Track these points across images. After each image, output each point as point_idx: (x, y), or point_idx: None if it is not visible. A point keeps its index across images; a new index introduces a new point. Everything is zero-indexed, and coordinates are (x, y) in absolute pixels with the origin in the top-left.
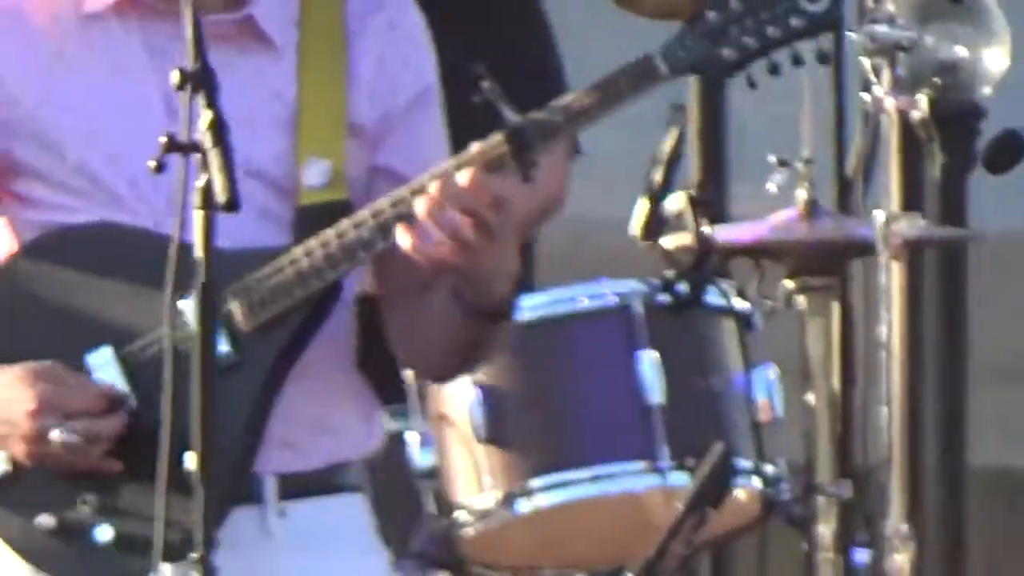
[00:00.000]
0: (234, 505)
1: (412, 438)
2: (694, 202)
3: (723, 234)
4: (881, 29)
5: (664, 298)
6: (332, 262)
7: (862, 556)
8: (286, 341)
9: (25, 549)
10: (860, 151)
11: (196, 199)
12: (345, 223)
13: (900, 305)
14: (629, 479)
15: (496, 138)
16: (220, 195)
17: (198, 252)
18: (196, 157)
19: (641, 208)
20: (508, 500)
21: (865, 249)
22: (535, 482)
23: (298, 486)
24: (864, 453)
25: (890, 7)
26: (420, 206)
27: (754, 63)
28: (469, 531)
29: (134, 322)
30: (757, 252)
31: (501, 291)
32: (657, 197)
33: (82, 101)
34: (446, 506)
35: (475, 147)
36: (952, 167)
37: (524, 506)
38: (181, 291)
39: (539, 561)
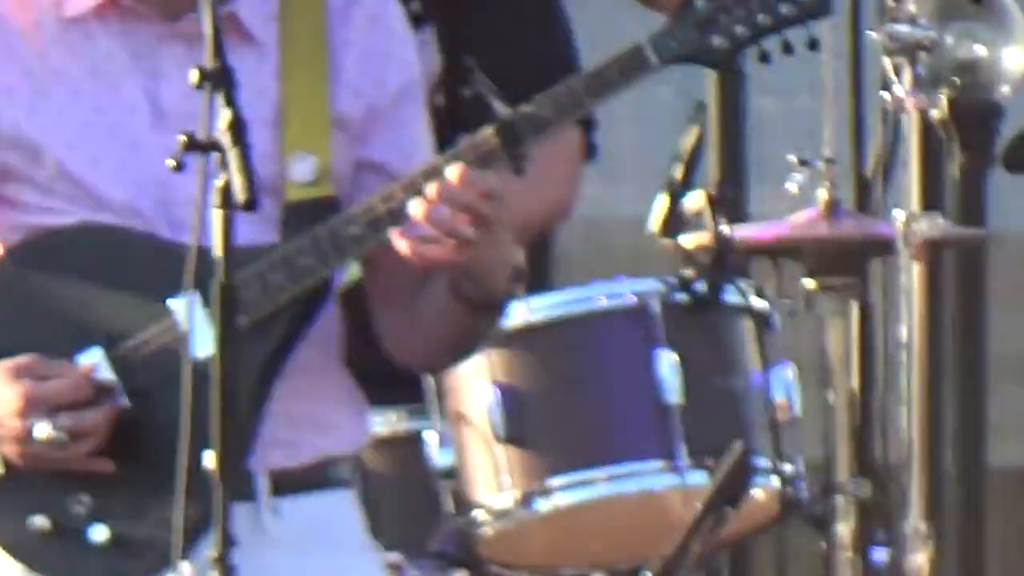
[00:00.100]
0: (231, 501)
1: (431, 437)
2: (713, 201)
3: (742, 233)
4: (901, 28)
5: (682, 297)
6: (324, 259)
7: (881, 555)
8: (278, 339)
9: (19, 550)
10: (880, 151)
11: (215, 199)
12: (337, 220)
13: (919, 305)
14: (647, 478)
15: (486, 132)
16: (239, 195)
17: (216, 252)
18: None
19: (660, 206)
20: (526, 499)
21: (885, 248)
22: (553, 481)
23: (289, 483)
24: (883, 452)
25: (911, 7)
26: (415, 209)
27: (745, 51)
28: (487, 530)
29: (122, 323)
30: (776, 251)
31: (500, 283)
32: (676, 195)
33: (65, 105)
34: (464, 505)
35: (465, 141)
36: (971, 167)
37: (542, 505)
38: (173, 291)
39: (557, 561)
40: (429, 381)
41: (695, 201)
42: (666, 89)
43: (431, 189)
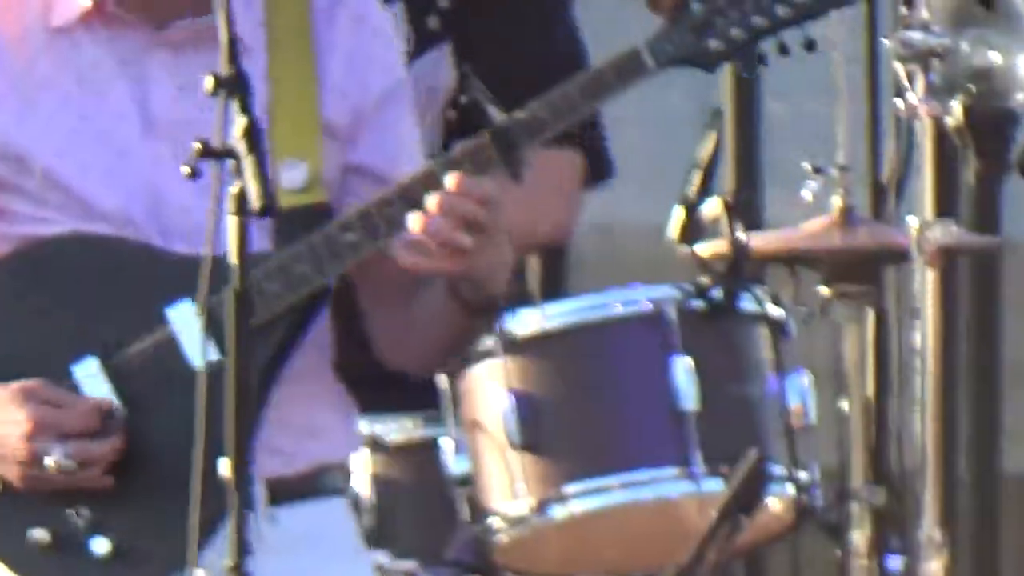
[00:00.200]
0: (225, 513)
1: (446, 444)
2: (729, 208)
3: (758, 240)
4: (915, 36)
5: (698, 304)
6: (320, 267)
7: (895, 563)
8: (275, 346)
9: (20, 564)
10: (894, 158)
11: (230, 205)
12: (332, 226)
13: (934, 312)
14: (662, 485)
15: (481, 138)
16: (255, 202)
17: (230, 259)
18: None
19: (678, 213)
20: (542, 507)
21: (899, 256)
22: (568, 488)
23: (285, 491)
24: (898, 459)
25: (924, 14)
26: (412, 221)
27: (741, 53)
28: (503, 538)
29: (117, 332)
30: (792, 259)
31: (498, 285)
32: (694, 203)
33: (52, 114)
34: (480, 513)
35: (460, 147)
36: (986, 174)
37: (558, 512)
38: (166, 299)
39: (572, 568)
40: (444, 388)
41: (712, 208)
42: (679, 95)
43: (429, 201)
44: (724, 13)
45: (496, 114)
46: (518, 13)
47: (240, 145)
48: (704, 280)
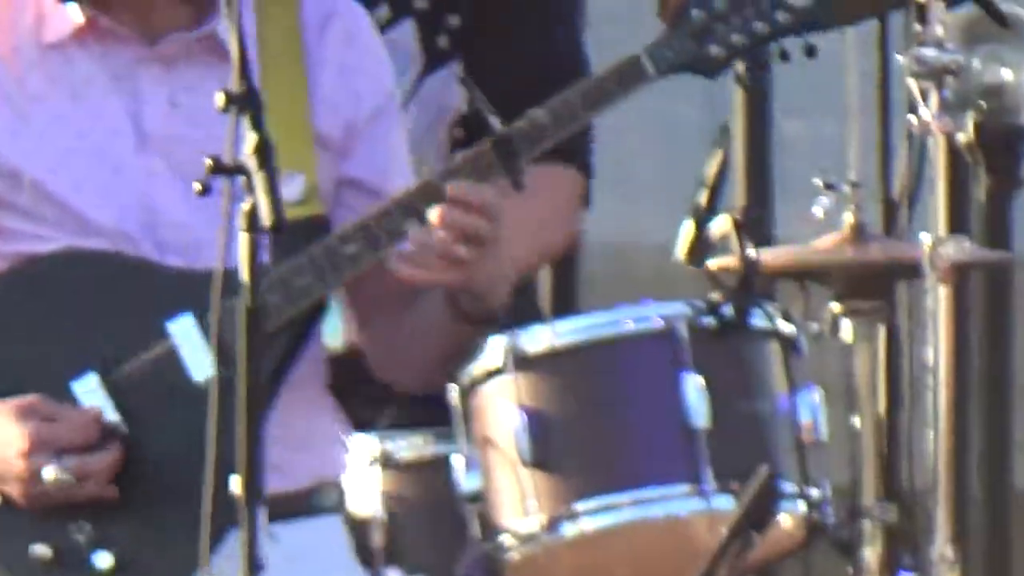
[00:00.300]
0: (229, 526)
1: (457, 461)
2: (739, 224)
3: (769, 256)
4: (928, 52)
5: (709, 321)
6: (321, 279)
7: None
8: (276, 359)
9: None
10: (906, 174)
11: (241, 222)
12: (332, 238)
13: (946, 328)
14: (673, 503)
15: (482, 147)
16: (266, 218)
17: (241, 275)
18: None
19: (686, 231)
20: (553, 524)
21: (911, 272)
22: (579, 506)
23: (283, 508)
24: (910, 476)
25: (938, 30)
26: (413, 234)
27: (742, 59)
28: (514, 555)
29: (115, 347)
30: (803, 275)
31: (498, 297)
32: (702, 221)
33: (46, 130)
34: (491, 530)
35: (461, 156)
36: (998, 190)
37: (569, 530)
38: (164, 313)
39: None
40: (455, 405)
41: (721, 225)
42: (691, 111)
43: (430, 214)
44: (725, 19)
45: (497, 123)
46: (525, 28)
47: (251, 161)
48: (715, 297)
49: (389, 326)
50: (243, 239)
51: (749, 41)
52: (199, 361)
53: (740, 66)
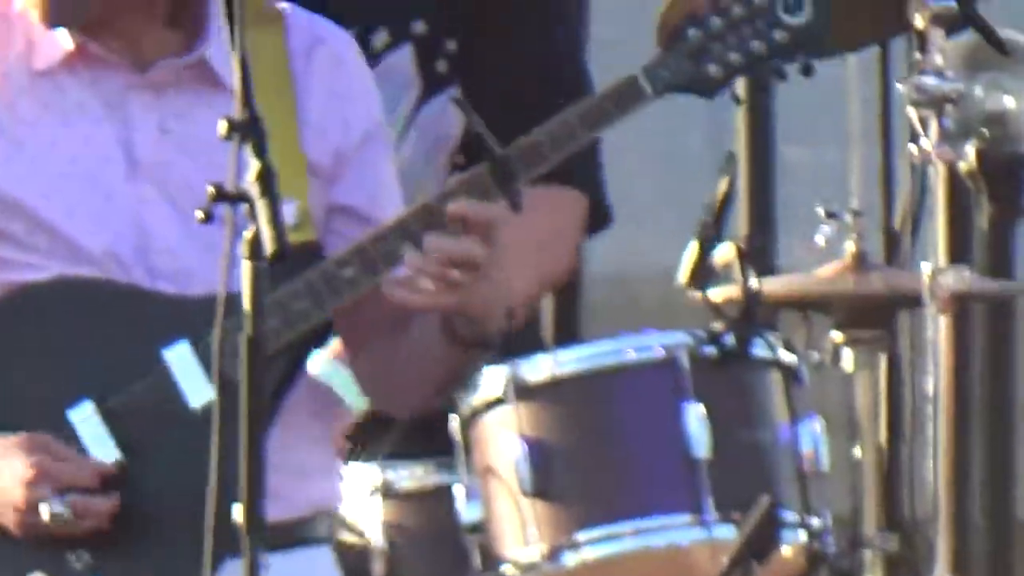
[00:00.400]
0: (226, 555)
1: (458, 491)
2: (742, 253)
3: (770, 285)
4: (928, 80)
5: (711, 350)
6: (319, 303)
7: None
8: (273, 384)
9: None
10: (908, 203)
11: (244, 250)
12: (329, 263)
13: (947, 358)
14: (674, 532)
15: (480, 169)
16: (268, 246)
17: (245, 304)
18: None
19: (689, 256)
20: (554, 554)
21: (913, 301)
22: (581, 535)
23: (278, 537)
24: (911, 506)
25: (938, 59)
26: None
27: (740, 78)
28: None
29: (109, 374)
30: (804, 304)
31: (494, 322)
32: (706, 247)
33: (37, 156)
34: (492, 560)
35: (458, 179)
36: (1000, 218)
37: (570, 559)
38: (158, 340)
39: None
40: (456, 435)
41: (724, 253)
42: (695, 139)
43: (427, 240)
44: (722, 39)
45: (494, 145)
46: (525, 49)
47: (254, 189)
48: (716, 326)
49: (384, 351)
50: (246, 267)
51: (746, 60)
52: (196, 388)
53: (739, 85)
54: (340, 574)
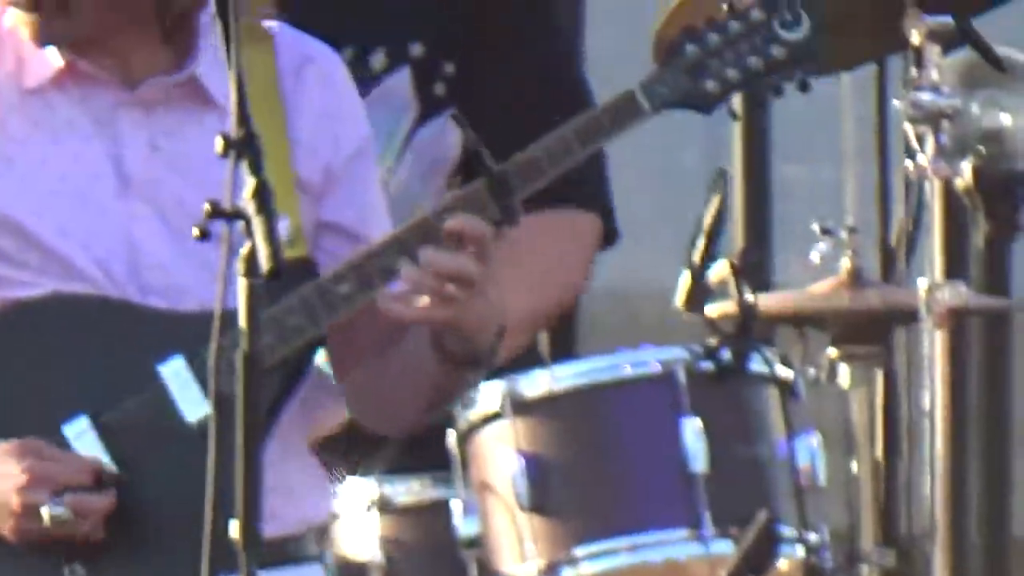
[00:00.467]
0: (221, 572)
1: (455, 506)
2: (737, 269)
3: (767, 301)
4: (924, 97)
5: (708, 365)
6: (314, 318)
7: None
8: (268, 400)
9: None
10: (904, 219)
11: (240, 267)
12: (324, 279)
13: (943, 374)
14: (672, 547)
15: (476, 185)
16: (264, 263)
17: (241, 321)
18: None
19: (684, 278)
20: (551, 569)
21: (909, 317)
22: (578, 551)
23: (268, 553)
24: (908, 521)
25: (934, 75)
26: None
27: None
28: None
29: (103, 390)
30: (801, 320)
31: (486, 338)
32: (699, 268)
33: (28, 174)
34: (489, 574)
35: (454, 195)
36: (997, 235)
37: (567, 574)
38: (151, 356)
39: None
40: (453, 449)
41: (719, 270)
42: (692, 155)
43: (423, 254)
44: (719, 54)
45: (491, 160)
46: (524, 68)
47: (250, 206)
48: (713, 341)
49: (376, 367)
50: (242, 284)
51: (744, 76)
52: (192, 402)
53: (735, 101)
54: None
